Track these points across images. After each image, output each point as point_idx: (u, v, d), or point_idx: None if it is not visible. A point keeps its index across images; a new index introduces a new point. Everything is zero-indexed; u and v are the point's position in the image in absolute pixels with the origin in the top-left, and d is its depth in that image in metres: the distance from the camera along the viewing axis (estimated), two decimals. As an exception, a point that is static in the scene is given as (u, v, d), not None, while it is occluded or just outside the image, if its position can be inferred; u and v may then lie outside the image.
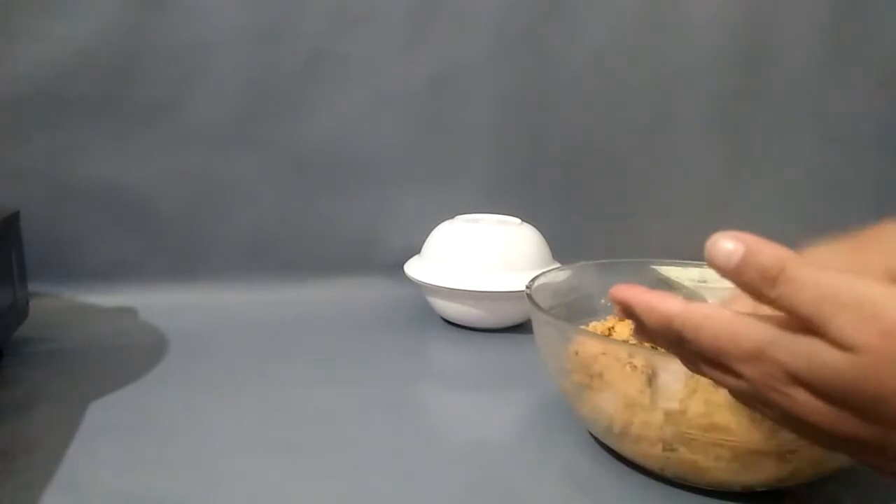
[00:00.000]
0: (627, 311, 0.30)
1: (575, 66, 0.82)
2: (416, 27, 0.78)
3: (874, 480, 0.43)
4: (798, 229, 0.37)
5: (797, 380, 0.25)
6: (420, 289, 0.71)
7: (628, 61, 0.83)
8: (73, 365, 0.58)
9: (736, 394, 0.29)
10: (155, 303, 0.72)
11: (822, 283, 0.24)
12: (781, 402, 0.26)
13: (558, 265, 0.68)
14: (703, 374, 0.30)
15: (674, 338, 0.28)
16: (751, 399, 0.29)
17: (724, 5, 0.83)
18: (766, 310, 0.26)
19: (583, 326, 0.51)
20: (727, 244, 0.26)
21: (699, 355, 0.28)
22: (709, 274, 0.56)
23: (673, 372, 0.39)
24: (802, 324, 0.25)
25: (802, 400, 0.26)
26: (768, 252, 0.25)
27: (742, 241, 0.26)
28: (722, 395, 0.37)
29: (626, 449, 0.43)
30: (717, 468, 0.39)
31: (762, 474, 0.39)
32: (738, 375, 0.27)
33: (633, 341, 0.49)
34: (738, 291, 0.27)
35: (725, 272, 0.26)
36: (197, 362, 0.59)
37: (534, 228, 0.72)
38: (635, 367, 0.40)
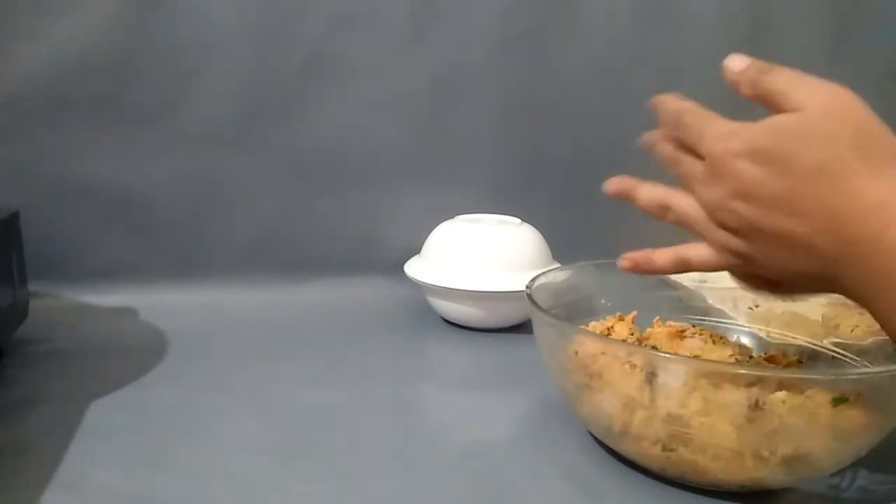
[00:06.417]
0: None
1: (575, 66, 0.82)
2: (416, 27, 0.78)
3: (873, 480, 0.43)
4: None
5: (748, 152, 0.36)
6: (420, 289, 0.71)
7: (628, 61, 0.83)
8: (73, 365, 0.58)
9: (689, 177, 0.41)
10: (155, 303, 0.72)
11: (793, 72, 0.37)
12: (728, 176, 0.37)
13: (558, 265, 0.68)
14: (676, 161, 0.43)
15: (674, 119, 0.44)
16: (700, 181, 0.40)
17: (724, 5, 0.83)
18: None
19: (583, 326, 0.51)
20: (739, 58, 0.39)
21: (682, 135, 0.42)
22: (708, 274, 0.56)
23: (672, 371, 0.39)
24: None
25: (741, 167, 0.37)
26: (762, 62, 0.39)
27: (749, 58, 0.39)
28: (721, 394, 0.37)
29: (626, 449, 0.43)
30: (717, 468, 0.39)
31: (761, 474, 0.39)
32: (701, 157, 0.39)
33: (632, 341, 0.49)
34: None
35: (735, 74, 0.39)
36: (197, 362, 0.59)
37: (534, 228, 0.72)
38: (634, 365, 0.40)
